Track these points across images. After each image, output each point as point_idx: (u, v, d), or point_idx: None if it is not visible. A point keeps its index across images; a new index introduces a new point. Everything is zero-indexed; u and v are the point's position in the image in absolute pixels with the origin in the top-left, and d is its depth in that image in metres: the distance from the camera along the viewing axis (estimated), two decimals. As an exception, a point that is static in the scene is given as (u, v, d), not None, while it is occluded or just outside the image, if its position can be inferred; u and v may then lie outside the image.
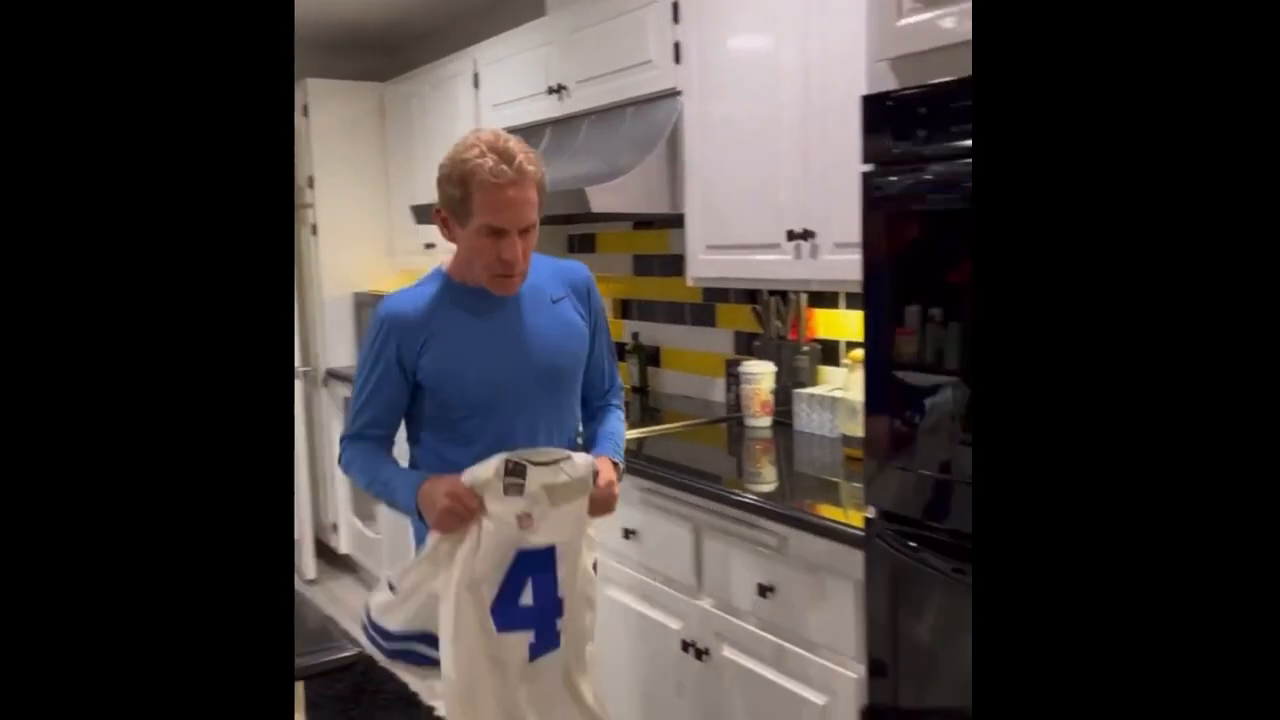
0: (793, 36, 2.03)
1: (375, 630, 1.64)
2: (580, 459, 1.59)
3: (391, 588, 1.61)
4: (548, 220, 2.13)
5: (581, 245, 3.38)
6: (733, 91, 2.22)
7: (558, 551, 1.57)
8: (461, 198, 1.50)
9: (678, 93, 2.38)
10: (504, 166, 1.48)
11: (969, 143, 1.33)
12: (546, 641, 1.60)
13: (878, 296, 1.50)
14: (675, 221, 2.56)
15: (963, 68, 1.31)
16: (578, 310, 1.70)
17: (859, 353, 1.77)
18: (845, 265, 1.86)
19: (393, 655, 1.65)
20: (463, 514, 1.51)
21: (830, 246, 1.99)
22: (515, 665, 1.58)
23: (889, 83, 1.48)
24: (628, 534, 2.17)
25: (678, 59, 2.37)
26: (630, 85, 2.54)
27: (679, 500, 2.00)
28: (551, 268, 1.71)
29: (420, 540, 1.64)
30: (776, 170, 2.11)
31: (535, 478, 1.53)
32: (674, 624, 2.04)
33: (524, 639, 1.58)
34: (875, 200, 1.47)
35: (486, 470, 1.52)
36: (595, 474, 1.60)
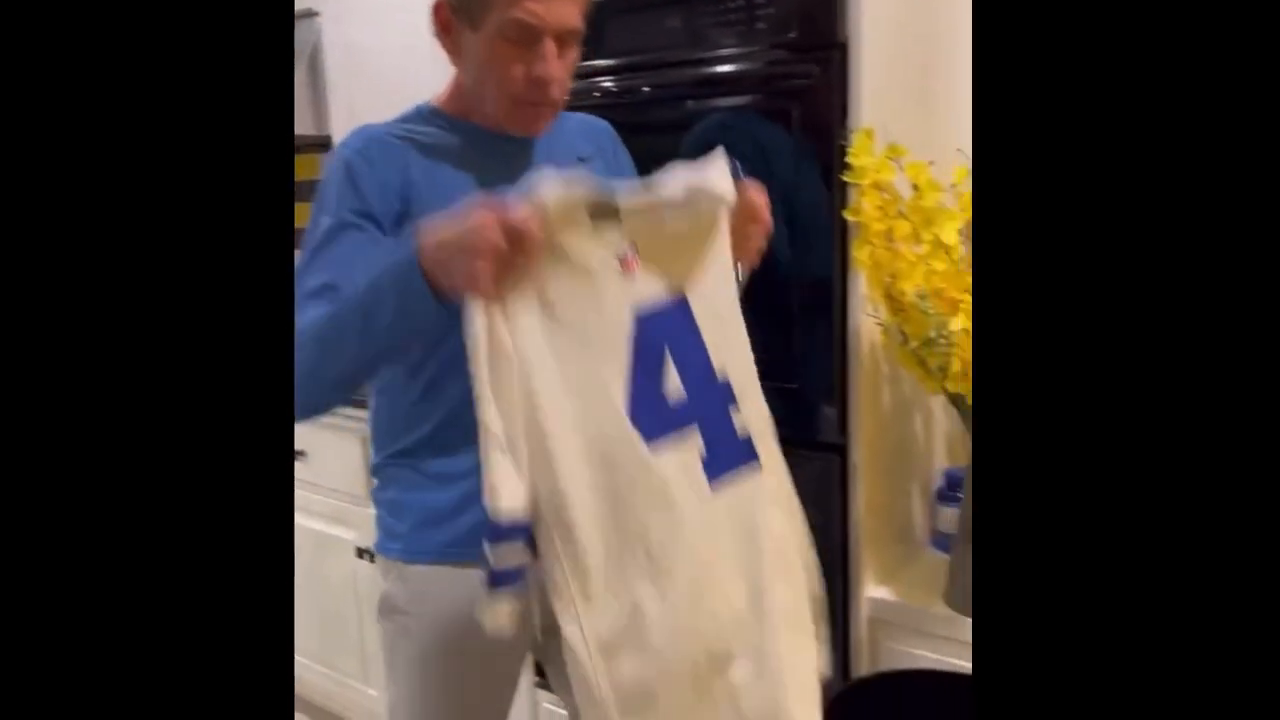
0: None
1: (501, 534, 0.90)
2: (695, 178, 0.98)
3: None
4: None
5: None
6: (371, 18, 2.25)
7: (694, 308, 0.99)
8: None
9: (315, 14, 2.37)
10: None
11: (594, 62, 1.51)
12: (728, 450, 0.99)
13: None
14: (323, 145, 2.55)
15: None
16: (602, 172, 1.20)
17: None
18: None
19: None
20: (524, 246, 0.87)
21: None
22: (686, 502, 0.95)
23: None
24: (298, 454, 2.20)
25: (313, -22, 2.35)
26: (264, 4, 2.48)
27: (347, 415, 2.07)
28: (572, 118, 1.23)
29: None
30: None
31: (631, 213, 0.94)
32: (348, 534, 2.12)
33: (690, 449, 0.96)
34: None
35: (556, 189, 0.89)
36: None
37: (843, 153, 1.24)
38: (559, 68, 1.06)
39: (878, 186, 1.20)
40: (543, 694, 1.86)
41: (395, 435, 1.18)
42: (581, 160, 1.19)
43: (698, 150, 1.16)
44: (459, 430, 1.06)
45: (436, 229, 0.91)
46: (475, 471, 0.94)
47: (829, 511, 1.38)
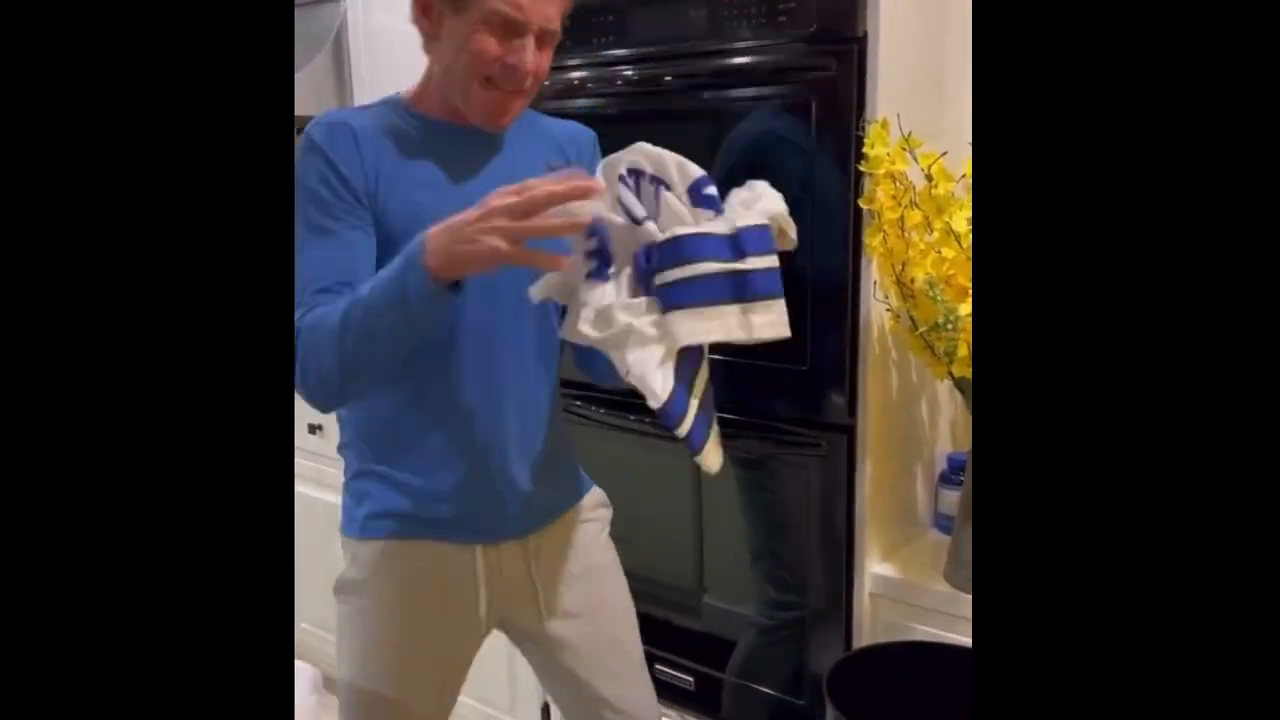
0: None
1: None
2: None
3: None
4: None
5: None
6: (395, 1, 2.29)
7: None
8: None
9: (340, -3, 2.41)
10: None
11: (616, 51, 1.56)
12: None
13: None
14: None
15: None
16: None
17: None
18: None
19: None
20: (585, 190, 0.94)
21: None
22: None
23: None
24: (314, 428, 2.25)
25: (338, -37, 2.39)
26: (289, -14, 2.52)
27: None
28: (553, 124, 1.25)
29: None
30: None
31: None
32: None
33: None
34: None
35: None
36: None
37: (859, 143, 1.29)
38: (535, 61, 1.07)
39: (892, 176, 1.25)
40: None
41: (371, 444, 1.17)
42: (550, 168, 1.12)
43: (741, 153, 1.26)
44: (434, 446, 1.13)
45: (448, 221, 0.96)
46: (444, 479, 1.07)
47: (836, 491, 1.43)
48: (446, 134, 1.13)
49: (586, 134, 1.27)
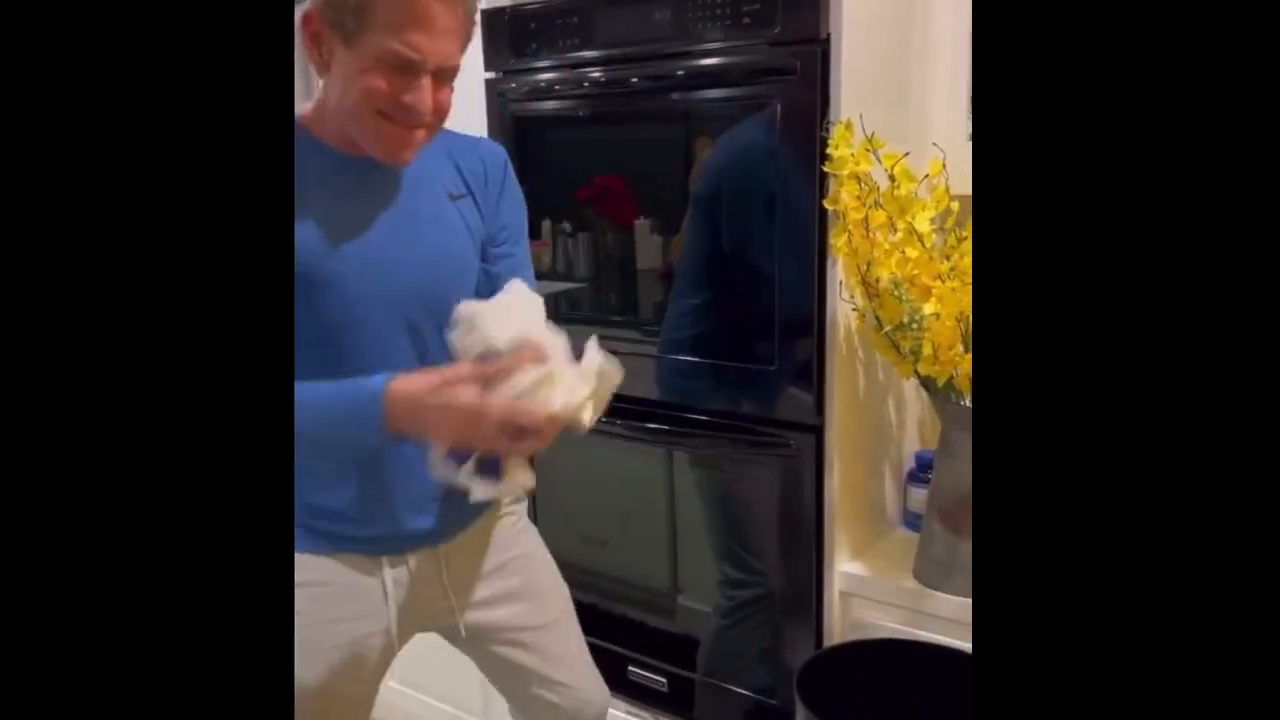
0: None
1: None
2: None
3: None
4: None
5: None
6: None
7: None
8: (357, 2, 0.96)
9: None
10: None
11: (583, 53, 1.56)
12: None
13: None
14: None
15: (565, -10, 1.53)
16: (473, 216, 1.16)
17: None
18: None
19: None
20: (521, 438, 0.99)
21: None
22: None
23: None
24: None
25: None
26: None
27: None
28: (452, 143, 1.17)
29: None
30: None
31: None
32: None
33: None
34: (497, 106, 1.66)
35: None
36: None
37: (823, 144, 1.29)
38: (435, 99, 1.01)
39: (856, 177, 1.26)
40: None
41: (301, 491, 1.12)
42: (452, 198, 1.13)
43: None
44: (326, 464, 1.12)
45: (414, 389, 0.97)
46: (341, 496, 1.10)
47: (804, 490, 1.43)
48: (343, 164, 1.06)
49: (497, 156, 1.20)
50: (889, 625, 1.41)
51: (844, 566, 1.46)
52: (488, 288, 1.13)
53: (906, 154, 1.25)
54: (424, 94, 0.99)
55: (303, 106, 1.10)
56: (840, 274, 1.36)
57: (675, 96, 1.47)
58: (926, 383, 1.33)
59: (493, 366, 0.97)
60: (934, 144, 1.34)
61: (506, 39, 1.63)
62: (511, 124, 1.66)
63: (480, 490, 1.04)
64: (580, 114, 1.59)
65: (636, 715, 1.74)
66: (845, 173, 1.26)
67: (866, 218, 1.26)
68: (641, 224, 1.59)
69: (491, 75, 1.67)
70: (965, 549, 1.34)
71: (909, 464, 1.59)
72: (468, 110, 2.01)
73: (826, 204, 1.31)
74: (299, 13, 0.99)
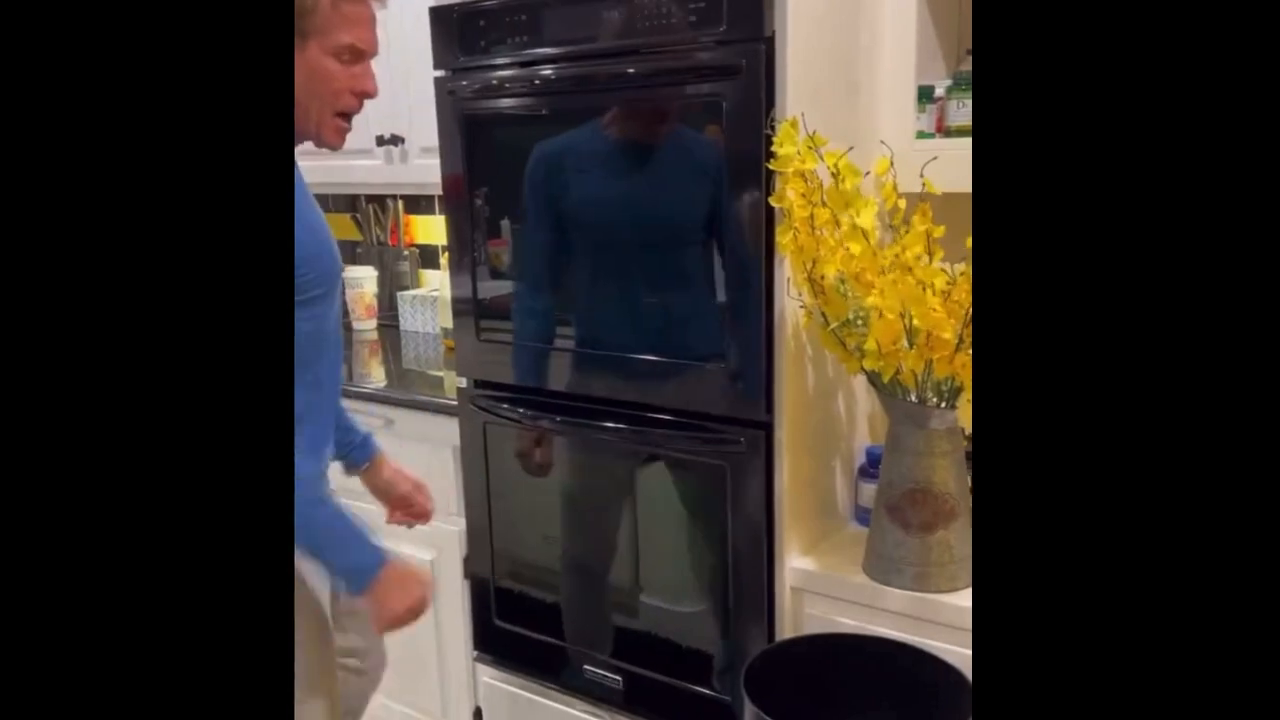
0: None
1: None
2: None
3: None
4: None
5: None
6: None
7: None
8: (302, 5, 1.10)
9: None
10: None
11: (534, 51, 1.55)
12: None
13: (457, 199, 1.70)
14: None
15: (514, -13, 1.53)
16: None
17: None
18: (434, 169, 2.02)
19: None
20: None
21: (418, 151, 2.15)
22: None
23: (455, -3, 1.65)
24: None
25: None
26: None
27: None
28: None
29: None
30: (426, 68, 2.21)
31: None
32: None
33: None
34: (448, 105, 1.65)
35: None
36: None
37: (769, 142, 1.30)
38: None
39: (800, 174, 1.26)
40: (482, 667, 1.90)
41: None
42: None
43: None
44: None
45: (402, 579, 1.26)
46: None
47: (755, 486, 1.44)
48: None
49: None
50: (840, 620, 1.42)
51: (795, 562, 1.47)
52: None
53: (850, 149, 1.26)
54: (371, 80, 1.21)
55: None
56: (788, 271, 1.36)
57: (624, 94, 1.47)
58: (873, 378, 1.34)
59: None
60: (881, 141, 1.35)
61: (456, 36, 1.62)
62: (464, 122, 1.65)
63: None
64: (533, 111, 1.59)
65: (594, 715, 1.74)
66: (790, 170, 1.26)
67: (812, 215, 1.27)
68: (593, 222, 1.58)
69: (441, 73, 1.66)
70: (913, 543, 1.35)
71: (860, 459, 1.60)
72: (421, 108, 2.00)
73: (772, 201, 1.31)
74: None
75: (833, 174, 1.25)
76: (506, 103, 1.61)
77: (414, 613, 1.28)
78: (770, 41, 1.30)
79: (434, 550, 1.93)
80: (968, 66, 1.51)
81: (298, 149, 1.21)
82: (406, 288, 2.64)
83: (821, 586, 1.44)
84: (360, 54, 1.17)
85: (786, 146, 1.26)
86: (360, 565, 1.23)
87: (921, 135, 1.48)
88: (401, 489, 1.52)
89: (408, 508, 1.53)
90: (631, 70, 1.44)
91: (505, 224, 1.67)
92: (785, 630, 1.48)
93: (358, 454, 1.48)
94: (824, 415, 1.53)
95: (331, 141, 1.21)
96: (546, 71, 1.54)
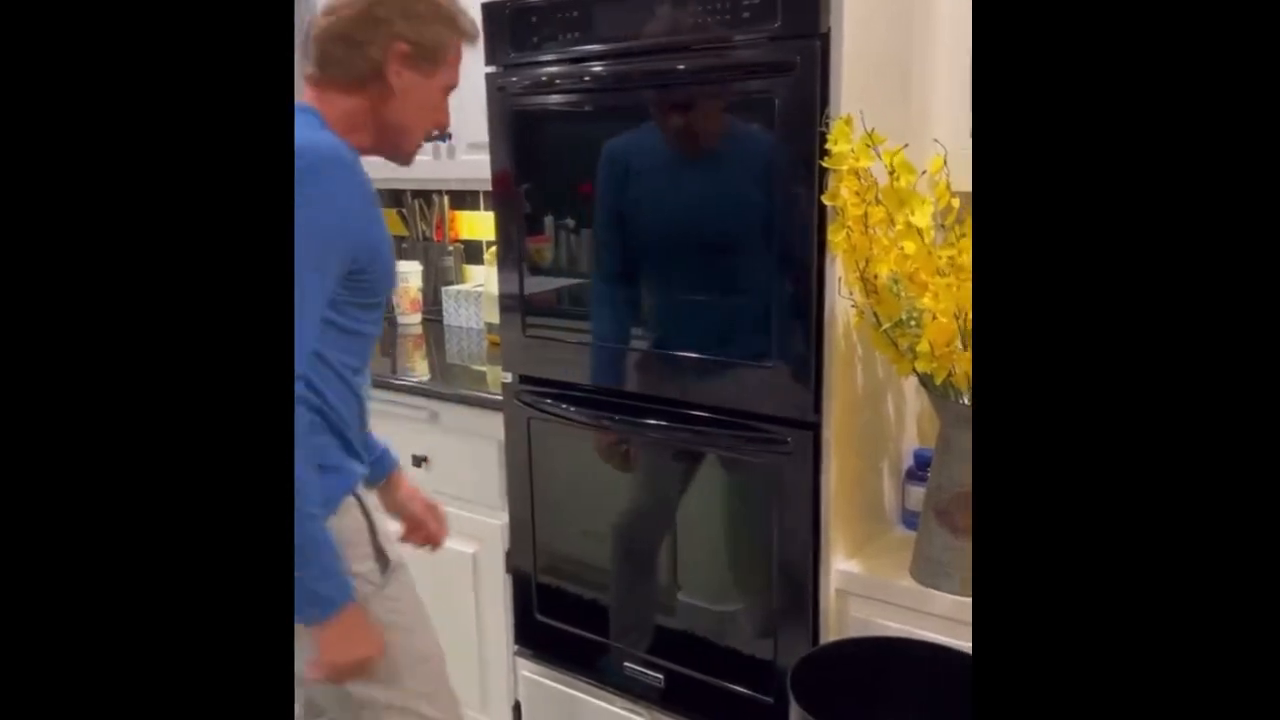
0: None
1: None
2: None
3: None
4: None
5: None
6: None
7: None
8: (440, 44, 1.24)
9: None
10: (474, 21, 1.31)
11: (584, 48, 1.55)
12: None
13: (506, 195, 1.70)
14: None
15: (566, -17, 1.52)
16: None
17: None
18: (480, 165, 2.03)
19: None
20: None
21: (465, 147, 2.16)
22: None
23: (507, -7, 1.66)
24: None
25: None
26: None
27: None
28: None
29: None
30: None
31: None
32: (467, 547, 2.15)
33: None
34: (498, 101, 1.66)
35: None
36: None
37: (822, 139, 1.29)
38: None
39: (855, 173, 1.25)
40: (522, 661, 1.91)
41: None
42: None
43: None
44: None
45: (359, 628, 1.20)
46: None
47: (802, 487, 1.43)
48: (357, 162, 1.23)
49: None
50: (886, 624, 1.41)
51: (840, 564, 1.45)
52: None
53: (905, 145, 1.24)
54: (447, 111, 1.32)
55: (326, 115, 1.23)
56: (839, 270, 1.35)
57: (676, 91, 1.47)
58: (924, 380, 1.32)
59: None
60: (935, 140, 1.33)
61: (507, 33, 1.62)
62: (513, 118, 1.65)
63: None
64: (582, 108, 1.59)
65: (634, 712, 1.74)
66: (844, 168, 1.25)
67: (866, 214, 1.26)
68: (641, 219, 1.58)
69: (492, 69, 1.66)
70: (962, 548, 1.33)
71: (908, 462, 1.58)
72: (469, 105, 2.01)
73: (825, 200, 1.30)
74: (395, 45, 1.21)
75: (889, 171, 1.23)
76: (555, 99, 1.61)
77: (356, 669, 1.20)
78: (825, 38, 1.29)
79: (476, 544, 1.94)
80: (1025, 64, 1.48)
81: (365, 159, 1.24)
82: (451, 283, 2.66)
83: (867, 589, 1.43)
84: (453, 88, 1.30)
85: (841, 144, 1.25)
86: (325, 594, 1.15)
87: (976, 134, 1.46)
88: (414, 509, 1.50)
89: (419, 529, 1.51)
90: (681, 67, 1.43)
91: (549, 220, 1.67)
92: (830, 633, 1.46)
93: (376, 468, 1.44)
94: (873, 416, 1.52)
95: (410, 159, 1.32)
96: (597, 68, 1.54)
